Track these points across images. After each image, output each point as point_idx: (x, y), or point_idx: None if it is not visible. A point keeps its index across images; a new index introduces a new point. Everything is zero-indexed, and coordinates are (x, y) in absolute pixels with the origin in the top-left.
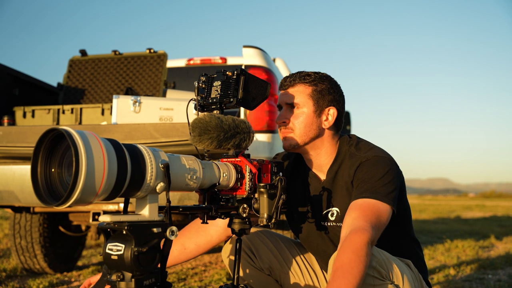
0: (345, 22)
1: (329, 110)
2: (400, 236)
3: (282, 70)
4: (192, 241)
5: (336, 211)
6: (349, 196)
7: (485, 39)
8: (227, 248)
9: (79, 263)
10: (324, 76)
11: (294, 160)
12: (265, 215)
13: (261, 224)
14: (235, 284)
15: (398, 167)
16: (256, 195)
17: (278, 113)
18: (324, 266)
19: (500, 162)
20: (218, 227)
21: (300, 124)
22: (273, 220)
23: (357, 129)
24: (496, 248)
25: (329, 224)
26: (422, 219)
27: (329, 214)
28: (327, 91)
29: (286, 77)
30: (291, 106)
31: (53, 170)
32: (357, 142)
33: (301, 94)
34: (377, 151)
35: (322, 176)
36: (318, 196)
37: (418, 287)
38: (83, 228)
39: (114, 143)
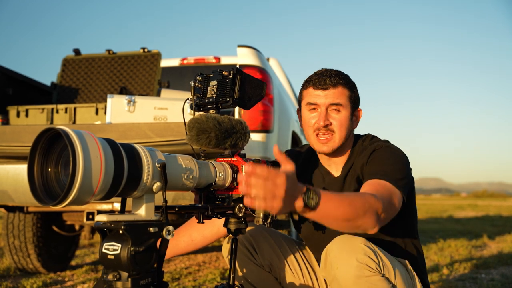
0: (339, 24)
1: (358, 112)
2: (405, 235)
3: (276, 70)
4: (199, 233)
5: None
6: (361, 186)
7: (477, 40)
8: (227, 246)
9: (73, 263)
10: (350, 78)
11: (304, 157)
12: (261, 215)
13: (257, 224)
14: (230, 283)
15: (409, 163)
16: None
17: (309, 112)
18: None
19: (491, 161)
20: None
21: (342, 126)
22: (269, 220)
23: None
24: (489, 248)
25: None
26: None
27: None
28: (357, 93)
29: (323, 75)
30: (335, 107)
31: (49, 169)
32: (372, 137)
33: (343, 96)
34: (391, 144)
35: (336, 173)
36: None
37: (412, 286)
38: (77, 227)
39: (111, 142)
